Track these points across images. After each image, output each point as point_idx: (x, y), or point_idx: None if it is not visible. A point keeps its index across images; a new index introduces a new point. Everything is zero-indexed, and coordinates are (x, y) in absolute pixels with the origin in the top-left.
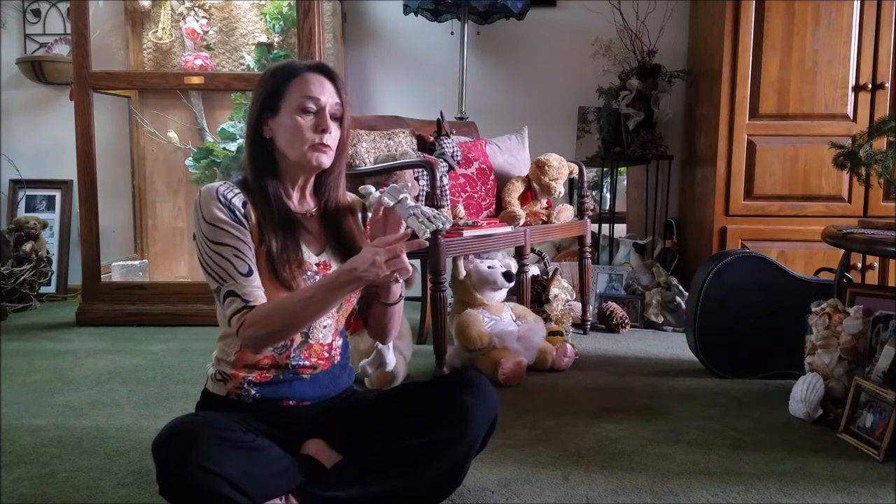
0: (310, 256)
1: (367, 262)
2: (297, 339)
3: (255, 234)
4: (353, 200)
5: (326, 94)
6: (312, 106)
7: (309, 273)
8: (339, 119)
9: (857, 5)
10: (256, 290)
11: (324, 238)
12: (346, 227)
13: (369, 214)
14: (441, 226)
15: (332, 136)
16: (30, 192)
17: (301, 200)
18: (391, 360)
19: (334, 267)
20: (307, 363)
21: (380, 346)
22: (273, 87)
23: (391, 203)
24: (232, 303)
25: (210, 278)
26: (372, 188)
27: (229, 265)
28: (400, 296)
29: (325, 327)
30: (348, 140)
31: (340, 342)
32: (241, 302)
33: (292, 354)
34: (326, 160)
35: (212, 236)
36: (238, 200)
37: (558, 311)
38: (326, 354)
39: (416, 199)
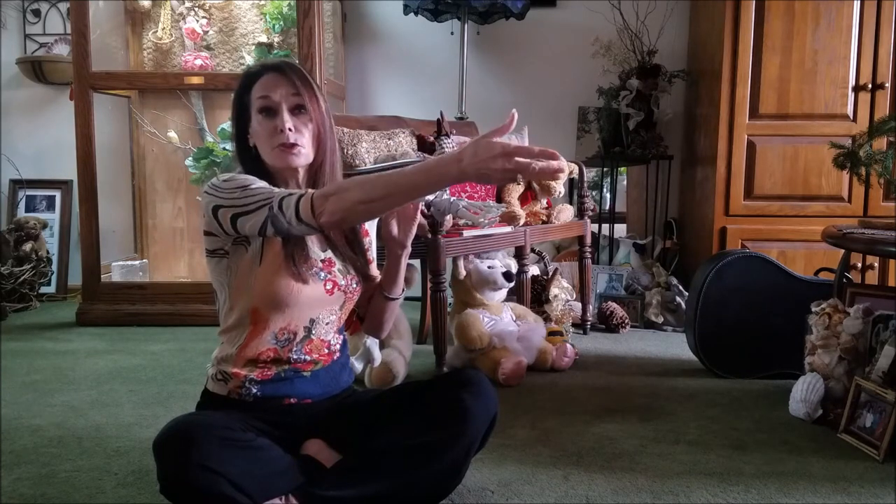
0: (315, 253)
1: (478, 155)
2: (300, 333)
3: None
4: None
5: (279, 91)
6: (267, 106)
7: (315, 269)
8: (304, 109)
9: (857, 5)
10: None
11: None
12: None
13: None
14: (493, 215)
15: (300, 132)
16: (30, 192)
17: None
18: (378, 355)
19: (338, 263)
20: (308, 358)
21: (367, 342)
22: (240, 96)
23: (431, 197)
24: (289, 198)
25: (256, 211)
26: None
27: (265, 188)
28: (402, 290)
29: (327, 324)
30: (329, 129)
31: (340, 339)
32: (299, 193)
33: (294, 348)
34: (296, 158)
35: (236, 184)
36: None
37: (558, 311)
38: (327, 350)
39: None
